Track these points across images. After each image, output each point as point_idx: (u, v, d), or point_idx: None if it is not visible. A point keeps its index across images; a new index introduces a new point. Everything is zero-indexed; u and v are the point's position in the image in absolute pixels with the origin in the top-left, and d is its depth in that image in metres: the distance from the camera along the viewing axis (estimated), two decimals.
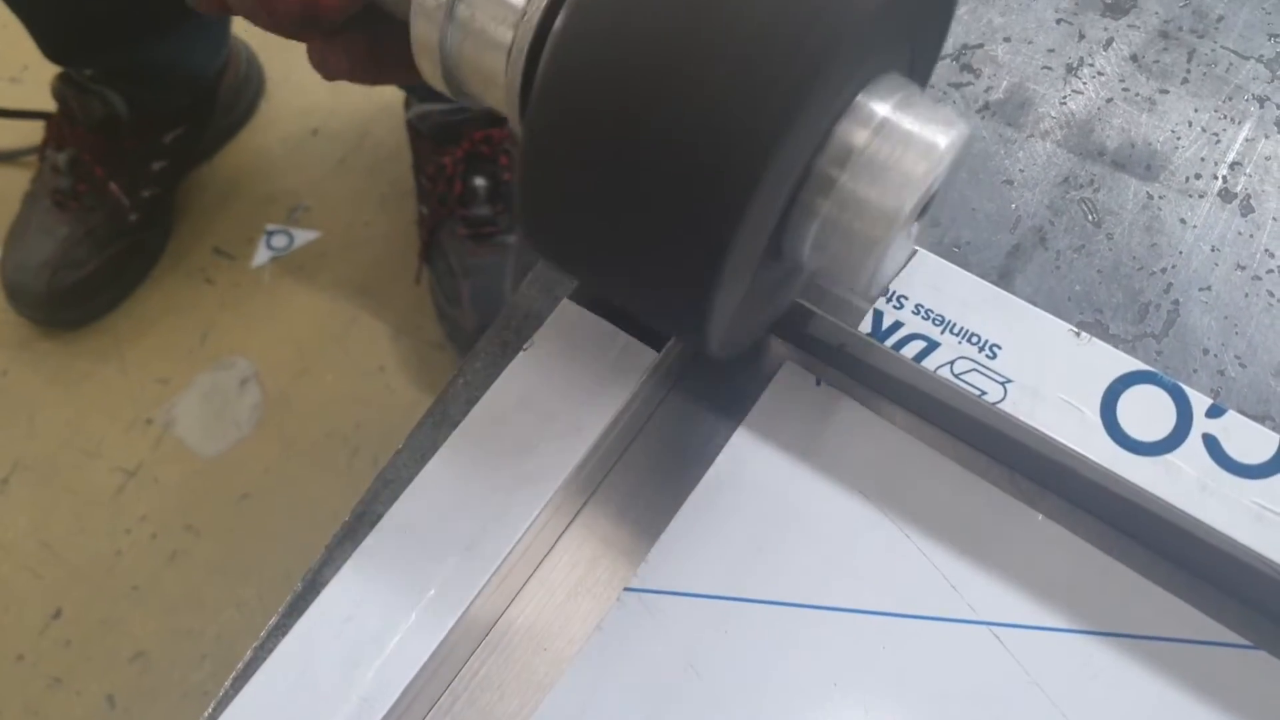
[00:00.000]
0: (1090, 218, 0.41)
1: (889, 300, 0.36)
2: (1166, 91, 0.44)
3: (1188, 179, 0.42)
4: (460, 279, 1.12)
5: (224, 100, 1.27)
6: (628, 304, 0.33)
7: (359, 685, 0.31)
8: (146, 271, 1.23)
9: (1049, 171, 0.42)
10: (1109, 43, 0.45)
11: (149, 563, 1.09)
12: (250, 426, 1.15)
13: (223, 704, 0.32)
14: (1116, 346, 0.35)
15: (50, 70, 1.13)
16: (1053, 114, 0.43)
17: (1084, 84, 0.44)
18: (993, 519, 0.36)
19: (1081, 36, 0.45)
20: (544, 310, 0.36)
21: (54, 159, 1.16)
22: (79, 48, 1.11)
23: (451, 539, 0.33)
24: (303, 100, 1.33)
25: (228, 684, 0.33)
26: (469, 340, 1.11)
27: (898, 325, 0.35)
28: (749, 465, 0.37)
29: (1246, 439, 0.33)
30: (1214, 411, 0.33)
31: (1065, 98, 0.44)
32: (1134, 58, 0.45)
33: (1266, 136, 0.42)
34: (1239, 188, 0.41)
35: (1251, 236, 0.40)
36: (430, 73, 0.31)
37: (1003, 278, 0.40)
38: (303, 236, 1.25)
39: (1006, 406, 0.34)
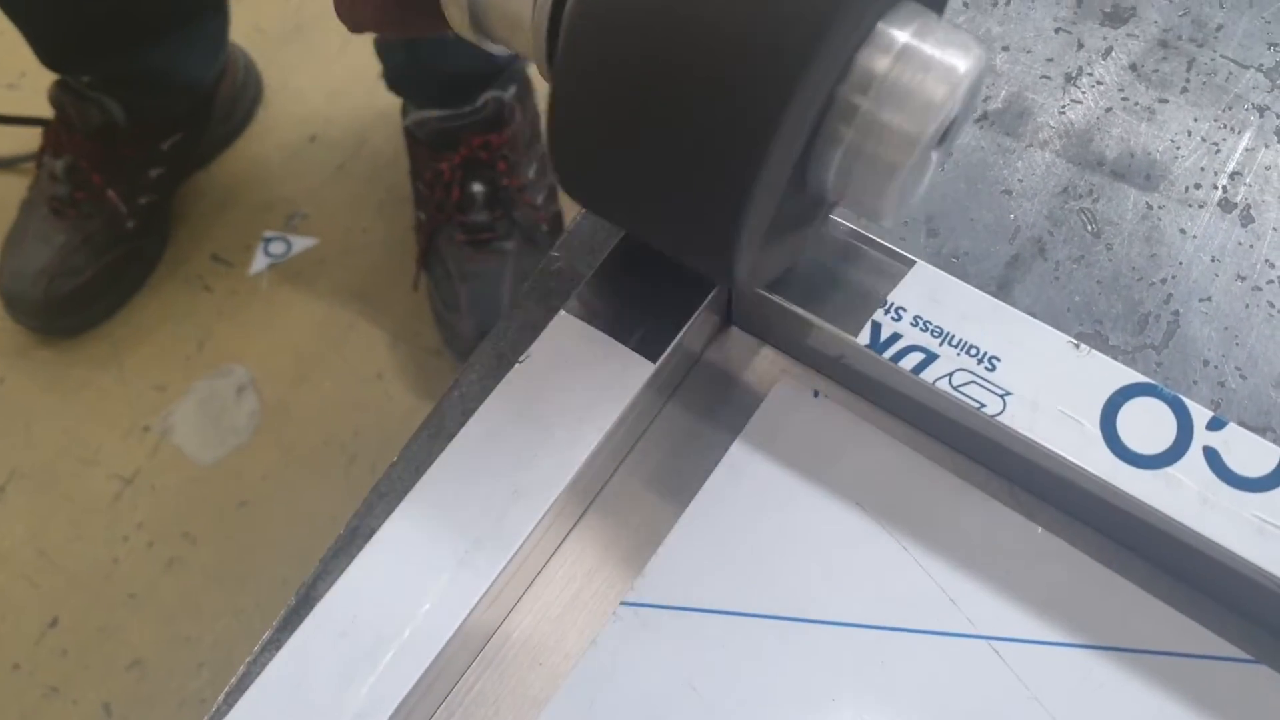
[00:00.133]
0: (1089, 228, 0.41)
1: (887, 312, 0.35)
2: (1166, 101, 0.43)
3: (1187, 189, 0.41)
4: (458, 285, 1.12)
5: (221, 107, 1.27)
6: (657, 238, 0.33)
7: (353, 701, 0.31)
8: (144, 279, 1.23)
9: (1048, 181, 0.42)
10: (1108, 52, 0.45)
11: (146, 571, 1.08)
12: (248, 434, 1.15)
13: (215, 719, 0.32)
14: (1116, 358, 0.35)
15: (48, 77, 1.13)
16: (1051, 123, 0.43)
17: (1083, 93, 0.44)
18: (992, 532, 0.35)
19: (1080, 46, 0.45)
20: (540, 321, 0.36)
21: (51, 166, 1.16)
22: (76, 54, 1.11)
23: (446, 553, 0.32)
24: (300, 107, 1.33)
25: (220, 699, 0.33)
26: (467, 346, 1.11)
27: (896, 337, 0.35)
28: (746, 478, 0.36)
29: (1247, 452, 0.33)
30: (1215, 424, 0.33)
31: (1064, 107, 0.44)
32: (1133, 67, 0.44)
33: (1266, 146, 0.42)
34: (1239, 198, 0.41)
35: (1252, 247, 0.40)
36: (458, 19, 0.32)
37: (1001, 288, 0.40)
38: (300, 243, 1.25)
39: (1005, 419, 0.34)
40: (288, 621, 0.34)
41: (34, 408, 1.17)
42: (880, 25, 0.28)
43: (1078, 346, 0.35)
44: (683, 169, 0.28)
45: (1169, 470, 0.33)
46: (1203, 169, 0.42)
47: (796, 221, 0.34)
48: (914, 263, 0.36)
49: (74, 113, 1.13)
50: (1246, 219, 0.41)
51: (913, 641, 0.34)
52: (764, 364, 0.39)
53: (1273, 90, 0.43)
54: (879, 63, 0.28)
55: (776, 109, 0.26)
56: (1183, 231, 0.41)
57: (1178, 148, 0.42)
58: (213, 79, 1.23)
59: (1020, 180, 0.42)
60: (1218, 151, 0.42)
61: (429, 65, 1.06)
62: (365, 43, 1.22)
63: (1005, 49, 0.45)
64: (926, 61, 0.28)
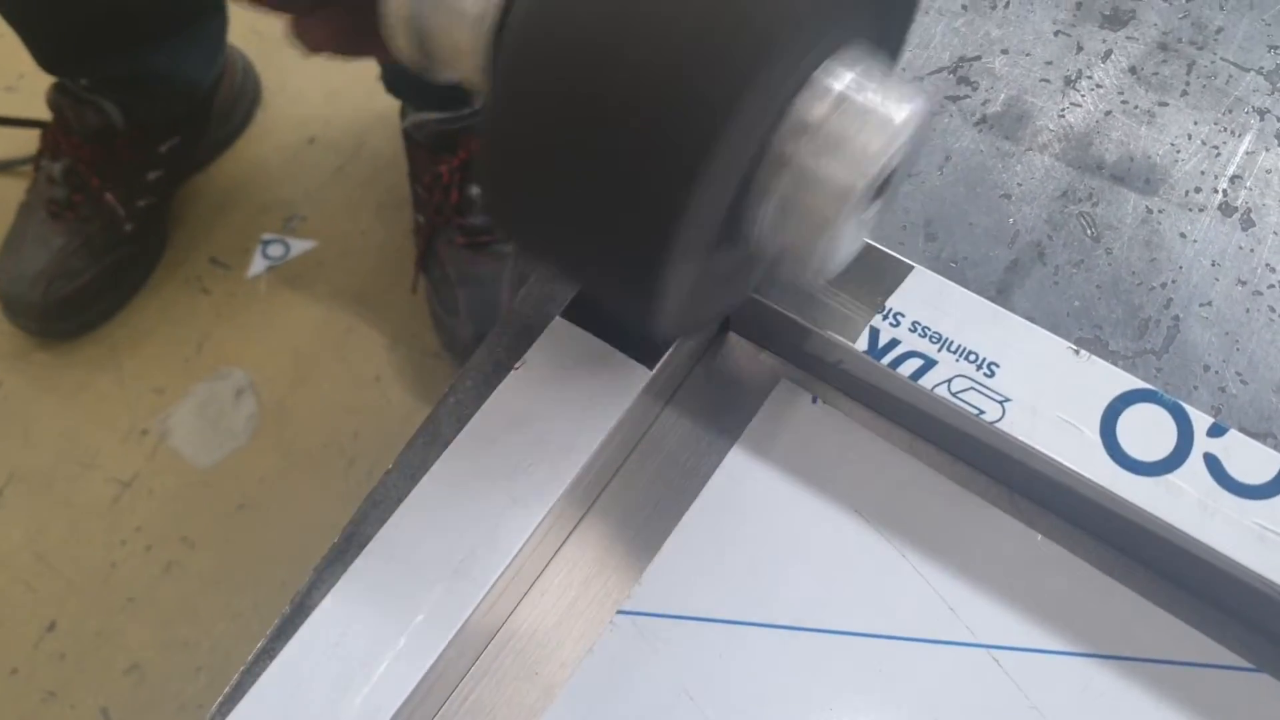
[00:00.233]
0: (1089, 232, 0.41)
1: (885, 317, 0.35)
2: (1166, 104, 0.43)
3: (1187, 193, 0.41)
4: (457, 288, 1.11)
5: (220, 110, 1.26)
6: (582, 281, 0.33)
7: (347, 711, 0.30)
8: (142, 281, 1.23)
9: (1047, 185, 0.42)
10: (1107, 55, 0.45)
11: (144, 574, 1.08)
12: (246, 437, 1.14)
13: None
14: (1116, 363, 0.35)
15: (46, 79, 1.13)
16: (1051, 127, 0.43)
17: (1082, 96, 0.44)
18: (991, 539, 0.35)
19: (1080, 49, 0.45)
20: (536, 326, 0.36)
21: (49, 169, 1.16)
22: (74, 57, 1.10)
23: (441, 562, 0.32)
24: (299, 110, 1.33)
25: (214, 709, 0.33)
26: (466, 349, 1.11)
27: (894, 343, 0.35)
28: (744, 485, 0.36)
29: (1248, 459, 0.32)
30: (1215, 431, 0.33)
31: (1064, 110, 0.43)
32: (1133, 70, 0.44)
33: (1267, 149, 0.42)
34: (1239, 201, 0.41)
35: (1252, 251, 0.40)
36: (404, 44, 0.31)
37: (1000, 293, 0.39)
38: (299, 246, 1.24)
39: (1005, 425, 0.33)
40: (282, 630, 0.34)
41: (32, 411, 1.17)
42: (818, 72, 0.27)
43: (1077, 352, 0.34)
44: (606, 212, 0.27)
45: (1169, 477, 0.32)
46: (1203, 173, 0.42)
47: (730, 275, 0.33)
48: (912, 268, 0.36)
49: (72, 115, 1.13)
50: (1247, 223, 0.40)
51: (911, 650, 0.34)
52: (762, 370, 0.39)
53: (1273, 93, 0.43)
54: (815, 110, 0.27)
55: (701, 155, 0.25)
56: (1183, 236, 0.40)
57: (1178, 151, 0.42)
58: (211, 81, 1.23)
59: (1019, 184, 0.42)
60: (1218, 155, 0.42)
61: None
62: None
63: (1004, 52, 0.45)
64: (864, 111, 0.27)
